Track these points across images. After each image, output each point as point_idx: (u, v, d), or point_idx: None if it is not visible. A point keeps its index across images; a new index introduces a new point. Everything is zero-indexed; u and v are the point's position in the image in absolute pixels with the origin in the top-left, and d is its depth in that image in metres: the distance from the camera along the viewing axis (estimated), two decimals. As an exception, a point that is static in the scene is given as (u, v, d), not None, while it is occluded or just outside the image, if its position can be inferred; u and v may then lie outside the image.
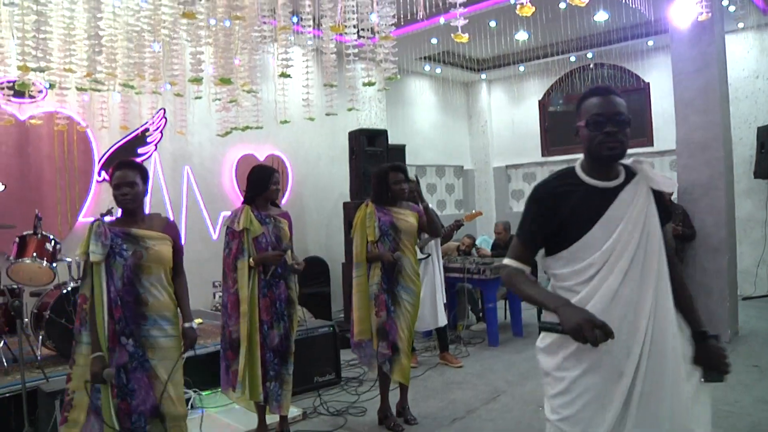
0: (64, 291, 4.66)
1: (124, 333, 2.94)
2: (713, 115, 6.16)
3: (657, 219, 2.06)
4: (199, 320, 3.79)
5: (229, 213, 4.14)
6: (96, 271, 2.94)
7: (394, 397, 4.52)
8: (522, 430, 4.23)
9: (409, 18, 6.26)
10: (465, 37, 4.06)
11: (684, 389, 2.01)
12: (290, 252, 4.05)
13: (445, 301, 5.95)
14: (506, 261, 2.20)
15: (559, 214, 2.09)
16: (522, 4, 3.67)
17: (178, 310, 3.15)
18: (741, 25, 7.92)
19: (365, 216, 4.32)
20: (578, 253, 2.06)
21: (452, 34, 4.05)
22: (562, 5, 6.57)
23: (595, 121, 2.05)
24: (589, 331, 1.77)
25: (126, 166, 3.08)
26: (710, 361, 2.08)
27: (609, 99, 2.06)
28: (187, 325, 3.16)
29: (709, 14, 5.80)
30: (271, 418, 4.14)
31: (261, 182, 4.01)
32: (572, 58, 9.86)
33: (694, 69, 6.22)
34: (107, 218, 3.17)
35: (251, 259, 3.86)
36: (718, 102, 6.17)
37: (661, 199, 2.12)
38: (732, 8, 6.61)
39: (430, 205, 4.76)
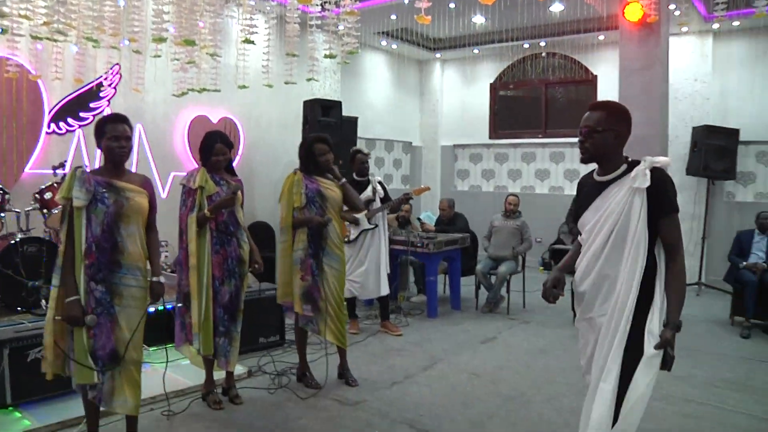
0: (12, 242, 4.63)
1: (94, 279, 3.03)
2: (653, 113, 6.47)
3: (638, 211, 2.41)
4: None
5: (180, 173, 4.19)
6: (77, 215, 3.02)
7: (334, 360, 4.72)
8: (456, 395, 4.49)
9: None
10: (428, 19, 4.19)
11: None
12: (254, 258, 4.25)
13: (388, 272, 6.15)
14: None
15: (579, 199, 2.73)
16: (485, -7, 3.81)
17: (148, 263, 3.26)
18: (684, 29, 8.29)
19: (293, 183, 4.42)
20: (580, 229, 2.69)
21: (415, 16, 4.17)
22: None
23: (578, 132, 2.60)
24: (543, 292, 2.72)
25: (122, 120, 3.17)
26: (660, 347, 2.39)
27: (587, 114, 2.58)
28: (155, 279, 3.30)
29: (657, 16, 6.11)
30: (218, 375, 4.27)
31: (205, 152, 4.10)
32: (525, 45, 10.12)
33: (639, 67, 6.51)
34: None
35: (207, 210, 3.92)
36: (659, 100, 6.49)
37: (656, 193, 2.42)
38: (677, 12, 6.93)
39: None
